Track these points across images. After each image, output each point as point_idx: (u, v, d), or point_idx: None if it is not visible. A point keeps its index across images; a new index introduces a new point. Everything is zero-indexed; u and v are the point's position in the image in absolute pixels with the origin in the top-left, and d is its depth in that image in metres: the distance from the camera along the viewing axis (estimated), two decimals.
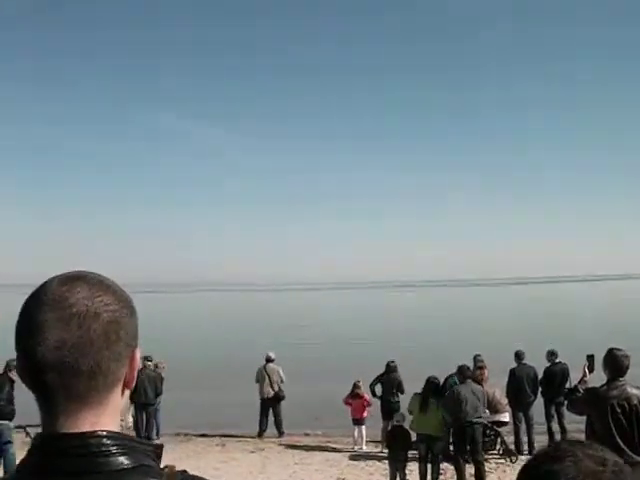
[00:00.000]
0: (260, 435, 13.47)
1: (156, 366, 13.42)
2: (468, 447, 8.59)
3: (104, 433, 0.93)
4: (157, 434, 13.29)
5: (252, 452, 12.00)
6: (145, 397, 12.94)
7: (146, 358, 13.32)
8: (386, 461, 10.79)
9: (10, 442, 9.63)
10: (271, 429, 13.62)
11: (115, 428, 0.97)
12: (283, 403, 13.71)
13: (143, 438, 12.78)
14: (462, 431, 8.57)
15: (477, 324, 41.67)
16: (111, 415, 0.98)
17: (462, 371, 9.23)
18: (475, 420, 8.42)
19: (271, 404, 13.58)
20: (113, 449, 0.92)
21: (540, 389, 11.74)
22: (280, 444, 12.72)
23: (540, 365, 11.98)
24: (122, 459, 0.92)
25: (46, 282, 1.00)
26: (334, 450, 12.12)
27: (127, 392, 1.04)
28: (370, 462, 11.11)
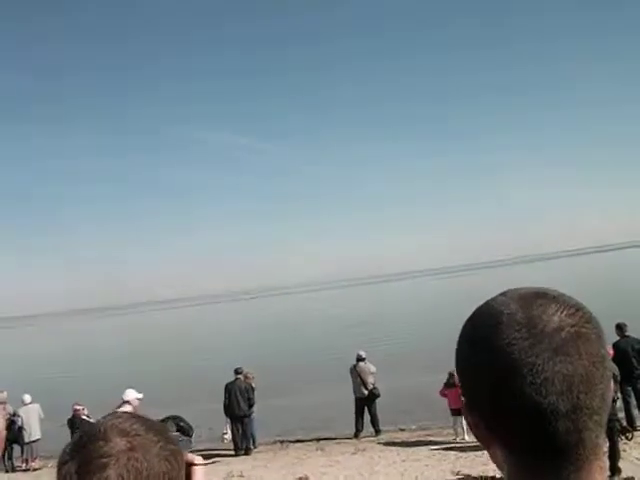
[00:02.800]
0: (357, 435, 13.32)
1: (245, 377, 13.39)
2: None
3: None
4: (254, 444, 13.29)
5: (354, 453, 11.84)
6: (238, 409, 12.97)
7: (236, 371, 13.32)
8: None
9: None
10: (366, 428, 13.46)
11: None
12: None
13: (240, 450, 12.83)
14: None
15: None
16: None
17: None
18: None
19: (365, 403, 13.44)
20: None
21: None
22: (379, 442, 12.53)
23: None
24: None
25: (495, 302, 0.81)
26: (437, 443, 11.85)
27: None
28: (479, 452, 10.78)
